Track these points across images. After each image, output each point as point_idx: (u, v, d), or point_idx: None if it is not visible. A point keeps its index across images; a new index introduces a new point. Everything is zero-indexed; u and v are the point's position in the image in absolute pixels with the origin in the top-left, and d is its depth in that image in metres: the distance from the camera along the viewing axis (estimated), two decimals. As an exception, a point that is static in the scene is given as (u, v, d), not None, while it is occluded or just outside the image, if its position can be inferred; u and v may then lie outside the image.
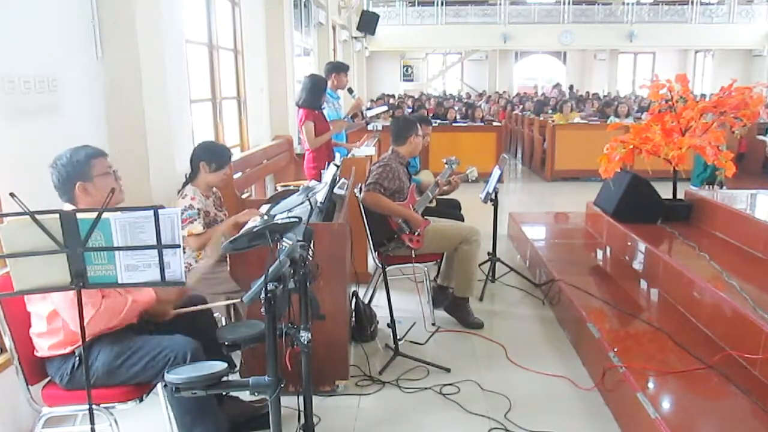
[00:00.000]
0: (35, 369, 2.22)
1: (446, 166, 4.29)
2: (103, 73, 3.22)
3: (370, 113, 6.60)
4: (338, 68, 5.29)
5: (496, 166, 4.54)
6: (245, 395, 2.72)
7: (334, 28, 12.10)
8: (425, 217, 3.81)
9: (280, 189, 5.30)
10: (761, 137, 9.43)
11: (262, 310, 1.87)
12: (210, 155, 3.16)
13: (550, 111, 11.44)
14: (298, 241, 2.01)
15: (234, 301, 3.00)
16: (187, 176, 3.22)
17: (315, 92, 4.67)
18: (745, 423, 2.41)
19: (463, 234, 3.78)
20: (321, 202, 3.01)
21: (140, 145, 3.34)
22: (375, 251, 3.74)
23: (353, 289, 3.66)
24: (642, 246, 4.15)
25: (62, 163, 2.18)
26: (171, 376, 1.91)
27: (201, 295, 2.83)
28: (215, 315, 2.86)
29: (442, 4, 21.23)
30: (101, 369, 2.17)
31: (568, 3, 20.71)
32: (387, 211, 3.68)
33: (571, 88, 20.83)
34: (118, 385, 2.21)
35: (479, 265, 4.17)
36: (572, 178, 9.33)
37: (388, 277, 3.49)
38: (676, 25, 20.45)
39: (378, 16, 15.92)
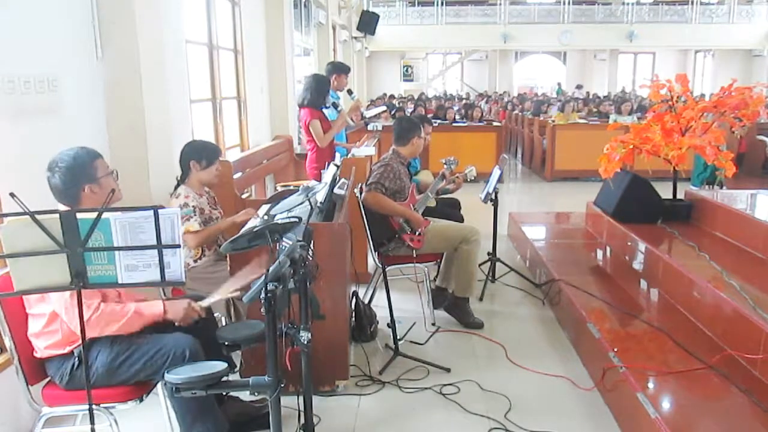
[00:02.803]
0: (35, 369, 2.22)
1: (445, 166, 4.30)
2: (103, 73, 3.22)
3: (368, 113, 6.60)
4: (340, 69, 5.28)
5: (496, 166, 4.53)
6: (245, 395, 2.73)
7: (334, 28, 12.10)
8: (425, 217, 3.81)
9: (280, 189, 5.30)
10: (761, 137, 9.43)
11: (262, 310, 1.87)
12: (198, 152, 3.16)
13: (552, 110, 11.44)
14: (298, 241, 2.01)
15: (237, 294, 2.99)
16: (178, 178, 3.22)
17: (319, 92, 4.66)
18: (745, 423, 2.41)
19: (464, 234, 3.78)
20: (321, 202, 3.01)
21: (140, 145, 3.34)
22: (375, 251, 3.74)
23: (353, 289, 3.66)
24: (642, 246, 4.14)
25: (66, 166, 2.16)
26: (171, 376, 1.91)
27: (201, 294, 2.83)
28: (215, 315, 2.86)
29: (442, 4, 21.24)
30: (101, 369, 2.17)
31: (568, 3, 20.72)
32: (388, 210, 3.68)
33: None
34: (118, 384, 2.21)
35: (479, 265, 4.16)
36: (572, 178, 9.32)
37: (388, 277, 3.50)
38: (676, 25, 20.47)
39: (378, 16, 15.92)
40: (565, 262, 4.49)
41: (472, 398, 2.98)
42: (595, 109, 12.37)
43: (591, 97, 17.33)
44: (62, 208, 2.18)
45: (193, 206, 3.08)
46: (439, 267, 4.18)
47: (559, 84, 23.53)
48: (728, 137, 5.39)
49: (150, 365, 2.19)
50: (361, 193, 3.68)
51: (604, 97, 16.66)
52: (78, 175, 2.18)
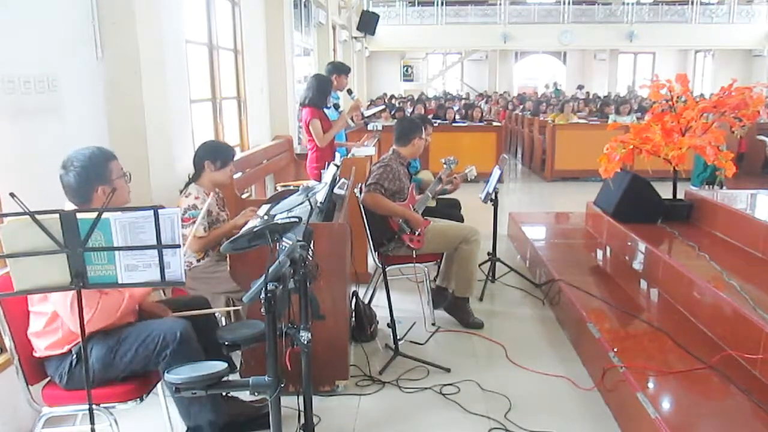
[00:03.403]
0: (35, 369, 2.22)
1: (444, 165, 4.30)
2: (103, 73, 3.23)
3: (367, 113, 6.59)
4: (340, 69, 5.27)
5: (496, 166, 4.54)
6: (245, 395, 2.73)
7: (334, 28, 12.10)
8: (425, 217, 3.81)
9: (280, 189, 5.30)
10: (761, 137, 9.44)
11: (262, 310, 1.87)
12: (214, 153, 3.18)
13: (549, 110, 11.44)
14: (298, 241, 2.01)
15: (237, 308, 3.00)
16: (190, 176, 3.22)
17: (321, 92, 4.67)
18: (745, 423, 2.41)
19: (463, 234, 3.78)
20: (321, 202, 3.01)
21: (140, 146, 3.34)
22: (375, 251, 3.74)
23: (353, 289, 3.66)
24: (642, 246, 4.14)
25: (81, 165, 2.15)
26: (171, 377, 1.91)
27: (202, 295, 2.83)
28: (215, 315, 2.86)
29: (442, 4, 21.23)
30: (97, 364, 2.17)
31: (568, 3, 20.71)
32: (387, 211, 3.68)
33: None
34: (116, 378, 2.21)
35: (479, 265, 4.17)
36: (572, 178, 9.32)
37: (388, 277, 3.50)
38: (676, 25, 20.46)
39: (378, 16, 15.91)
40: (565, 262, 4.49)
41: (472, 398, 2.98)
42: (595, 109, 12.37)
43: (591, 97, 17.32)
44: (72, 207, 2.17)
45: (201, 208, 3.08)
46: (439, 267, 4.18)
47: (555, 84, 23.31)
48: (728, 137, 5.38)
49: (143, 350, 2.18)
50: (360, 194, 3.68)
51: (605, 97, 16.66)
52: (92, 175, 2.17)
